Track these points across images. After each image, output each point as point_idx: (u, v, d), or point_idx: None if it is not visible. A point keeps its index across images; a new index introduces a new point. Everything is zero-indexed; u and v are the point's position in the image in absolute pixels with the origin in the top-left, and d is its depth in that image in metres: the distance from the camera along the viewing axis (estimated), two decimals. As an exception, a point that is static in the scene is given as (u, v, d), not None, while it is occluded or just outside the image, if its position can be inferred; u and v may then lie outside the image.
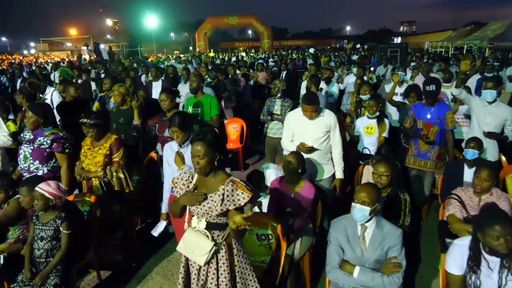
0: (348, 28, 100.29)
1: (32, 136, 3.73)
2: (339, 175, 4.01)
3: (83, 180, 3.70)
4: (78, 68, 9.14)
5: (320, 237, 3.67)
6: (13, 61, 23.74)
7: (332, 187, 4.03)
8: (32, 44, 53.45)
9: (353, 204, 2.65)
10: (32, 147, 3.70)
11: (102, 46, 19.57)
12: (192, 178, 2.45)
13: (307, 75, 9.09)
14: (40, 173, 3.72)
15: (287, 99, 5.75)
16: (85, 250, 3.37)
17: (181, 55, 22.73)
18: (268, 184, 4.06)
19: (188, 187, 2.44)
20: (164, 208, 3.48)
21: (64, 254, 3.00)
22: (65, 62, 16.48)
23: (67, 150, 3.79)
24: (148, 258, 4.08)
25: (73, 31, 46.53)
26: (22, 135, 3.79)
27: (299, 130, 3.93)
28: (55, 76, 10.99)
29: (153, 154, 5.20)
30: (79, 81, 7.95)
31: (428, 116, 4.61)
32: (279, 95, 5.71)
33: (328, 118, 3.88)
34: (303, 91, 6.76)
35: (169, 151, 3.35)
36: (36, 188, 2.97)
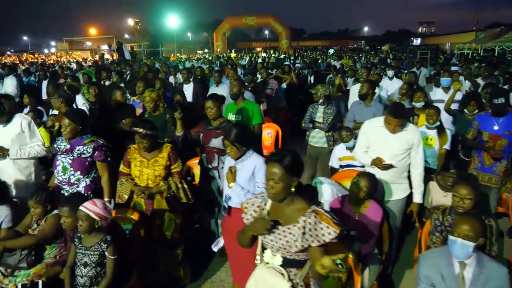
0: (365, 28, 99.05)
1: (68, 146, 3.43)
2: (418, 199, 3.60)
3: (144, 198, 3.38)
4: (106, 69, 8.91)
5: (386, 265, 3.29)
6: (36, 60, 23.83)
7: (409, 211, 3.63)
8: (53, 43, 54.03)
9: (452, 238, 2.26)
10: (71, 157, 3.41)
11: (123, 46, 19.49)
12: (265, 204, 2.11)
13: (340, 79, 8.69)
14: (82, 184, 3.44)
15: (330, 106, 5.37)
16: (128, 274, 3.05)
17: (206, 55, 22.48)
18: (323, 201, 3.70)
19: (260, 214, 2.10)
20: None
21: (110, 282, 2.69)
22: (87, 62, 16.36)
23: (108, 159, 3.50)
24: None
25: (93, 31, 46.90)
26: (56, 145, 3.49)
27: (377, 143, 3.53)
28: (80, 77, 10.83)
29: (191, 164, 4.90)
30: (107, 83, 7.69)
31: (496, 127, 4.18)
32: (321, 101, 5.33)
33: (412, 134, 3.46)
34: (353, 96, 6.34)
35: (227, 164, 3.05)
36: (81, 208, 2.66)
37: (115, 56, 20.92)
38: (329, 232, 1.93)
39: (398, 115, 3.36)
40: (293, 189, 2.01)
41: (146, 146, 3.31)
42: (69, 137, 3.40)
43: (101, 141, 3.49)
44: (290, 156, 2.00)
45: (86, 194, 3.42)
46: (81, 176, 3.44)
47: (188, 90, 7.15)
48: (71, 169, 3.41)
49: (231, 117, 4.78)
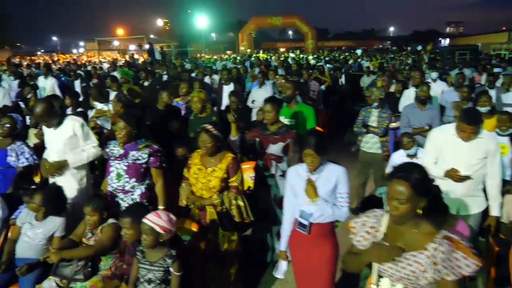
0: (391, 28, 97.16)
1: (122, 151, 3.25)
2: (495, 212, 3.27)
3: (195, 209, 3.18)
4: (145, 70, 8.83)
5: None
6: (68, 60, 24.23)
7: (485, 226, 3.31)
8: (81, 43, 55.21)
9: None
10: (126, 163, 3.23)
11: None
12: (380, 225, 1.84)
13: (382, 81, 8.32)
14: (137, 192, 3.26)
15: (385, 109, 5.06)
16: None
17: (237, 56, 22.30)
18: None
19: (375, 237, 1.84)
20: (284, 246, 2.88)
21: (175, 301, 2.48)
22: (117, 62, 16.40)
23: (163, 165, 3.31)
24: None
25: (120, 31, 47.63)
26: (108, 149, 3.32)
27: (449, 153, 3.21)
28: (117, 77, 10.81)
29: (243, 168, 4.67)
30: (146, 83, 7.57)
31: None
32: (376, 104, 5.03)
33: (488, 141, 3.14)
34: (407, 99, 5.99)
35: (295, 176, 2.74)
36: (146, 221, 2.47)
37: (144, 56, 21.06)
38: (467, 264, 1.66)
39: (473, 121, 3.05)
40: (419, 211, 1.74)
41: (209, 148, 3.08)
42: (124, 141, 3.22)
43: (155, 146, 3.30)
44: (419, 173, 1.74)
45: (141, 202, 3.25)
46: (136, 183, 3.26)
47: (228, 92, 6.94)
48: (126, 176, 3.24)
49: (284, 121, 4.53)
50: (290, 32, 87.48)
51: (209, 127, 3.09)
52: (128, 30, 51.41)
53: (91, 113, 5.89)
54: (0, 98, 6.92)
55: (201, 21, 35.13)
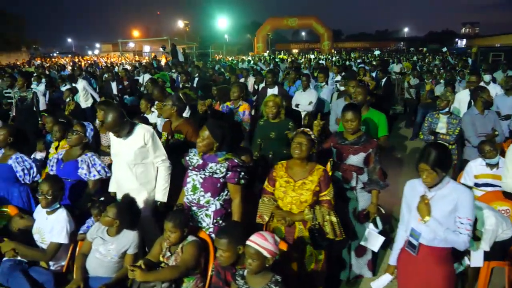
0: (406, 29, 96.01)
1: (201, 161, 3.01)
2: None
3: (285, 225, 2.92)
4: (185, 72, 8.61)
5: None
6: (89, 61, 24.27)
7: None
8: (97, 45, 55.64)
9: None
10: (203, 175, 2.99)
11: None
12: None
13: (431, 84, 7.98)
14: (212, 208, 3.01)
15: (454, 115, 4.76)
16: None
17: (265, 56, 22.05)
18: (483, 230, 3.12)
19: None
20: (393, 260, 2.65)
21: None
22: (148, 64, 16.20)
23: (242, 181, 3.05)
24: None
25: (136, 33, 47.86)
26: (188, 158, 3.08)
27: None
28: (144, 79, 10.64)
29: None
30: (185, 86, 7.36)
31: None
32: (446, 110, 4.73)
33: None
34: (459, 103, 5.68)
35: (411, 191, 2.50)
36: (252, 245, 2.22)
37: (163, 58, 20.92)
38: None
39: None
40: None
41: (304, 152, 2.86)
42: (204, 151, 2.98)
43: (236, 160, 3.02)
44: None
45: (215, 220, 3.01)
46: (211, 198, 3.01)
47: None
48: (202, 189, 2.99)
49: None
50: (303, 34, 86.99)
51: (307, 129, 2.95)
52: (144, 32, 51.65)
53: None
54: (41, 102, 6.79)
55: (222, 22, 35.16)
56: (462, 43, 69.09)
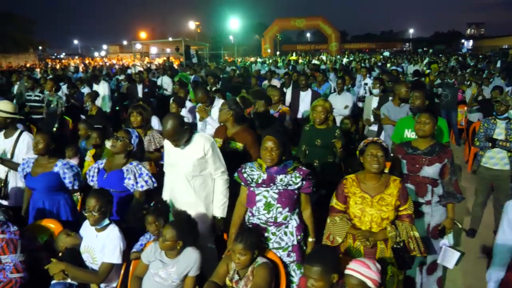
0: (411, 30, 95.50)
1: (265, 175, 2.72)
2: None
3: (368, 246, 2.63)
4: (213, 74, 8.33)
5: None
6: (101, 63, 24.04)
7: None
8: (104, 46, 55.61)
9: None
10: (276, 190, 2.70)
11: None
12: None
13: (477, 87, 7.63)
14: (292, 224, 2.74)
15: (512, 121, 4.44)
16: None
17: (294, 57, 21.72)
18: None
19: None
20: None
21: None
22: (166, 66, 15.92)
23: (314, 189, 2.78)
24: None
25: (143, 34, 47.72)
26: (245, 174, 2.77)
27: None
28: (162, 81, 10.40)
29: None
30: (213, 88, 7.06)
31: None
32: (505, 115, 4.42)
33: None
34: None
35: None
36: (355, 274, 1.95)
37: (172, 59, 20.69)
38: None
39: None
40: None
41: (381, 166, 2.60)
42: (274, 164, 2.70)
43: (304, 168, 2.77)
44: None
45: (299, 237, 2.74)
46: (289, 214, 2.73)
47: (306, 99, 6.42)
48: (278, 205, 2.70)
49: (410, 134, 3.98)
50: (308, 35, 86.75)
51: (376, 138, 2.73)
52: (150, 33, 51.54)
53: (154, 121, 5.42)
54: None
55: (234, 23, 35.02)
56: (468, 44, 68.63)
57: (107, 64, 23.23)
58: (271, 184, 2.71)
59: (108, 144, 3.16)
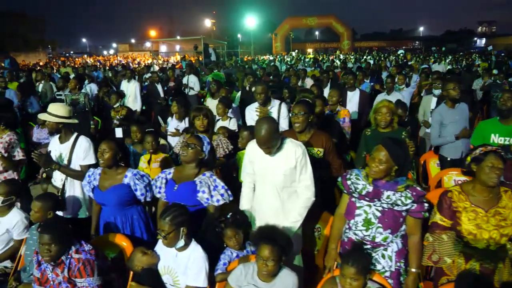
0: (421, 28, 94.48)
1: (371, 187, 2.40)
2: None
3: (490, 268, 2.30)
4: (253, 73, 8.02)
5: None
6: (116, 61, 23.79)
7: None
8: (114, 45, 55.46)
9: None
10: (380, 207, 2.37)
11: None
12: None
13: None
14: (392, 248, 2.42)
15: None
16: None
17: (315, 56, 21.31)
18: None
19: None
20: None
21: None
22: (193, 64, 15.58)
23: (426, 214, 2.43)
24: None
25: (152, 33, 47.57)
26: (349, 182, 2.47)
27: None
28: (189, 80, 10.09)
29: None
30: (253, 89, 6.72)
31: None
32: None
33: None
34: None
35: None
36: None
37: (200, 58, 20.34)
38: None
39: None
40: None
41: (499, 178, 2.30)
42: (380, 177, 2.36)
43: (419, 188, 2.41)
44: None
45: (398, 264, 2.40)
46: (390, 236, 2.39)
47: (354, 99, 6.06)
48: (379, 224, 2.37)
49: (498, 139, 3.64)
50: (316, 33, 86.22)
51: (495, 147, 2.40)
52: (159, 32, 51.35)
53: (170, 122, 5.12)
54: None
55: (251, 21, 34.75)
56: (481, 42, 67.66)
57: (122, 62, 22.97)
58: (375, 199, 2.39)
59: (181, 151, 2.85)
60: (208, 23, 37.84)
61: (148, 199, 2.98)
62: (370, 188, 2.41)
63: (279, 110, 4.29)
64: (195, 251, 2.53)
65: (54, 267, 2.47)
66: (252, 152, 2.78)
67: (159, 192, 2.99)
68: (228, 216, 2.70)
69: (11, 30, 38.93)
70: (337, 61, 17.99)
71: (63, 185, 3.29)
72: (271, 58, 24.44)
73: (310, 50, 50.81)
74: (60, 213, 3.31)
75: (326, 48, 56.35)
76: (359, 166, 3.85)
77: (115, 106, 6.64)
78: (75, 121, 3.43)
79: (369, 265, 2.30)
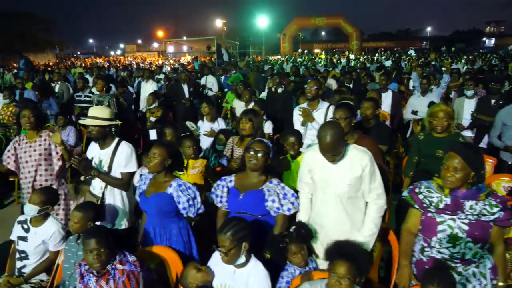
0: (428, 28, 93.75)
1: (448, 199, 2.19)
2: None
3: None
4: (278, 74, 7.81)
5: None
6: (126, 61, 23.67)
7: None
8: (121, 45, 55.51)
9: None
10: (466, 220, 2.15)
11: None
12: None
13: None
14: (486, 264, 2.21)
15: None
16: None
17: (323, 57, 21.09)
18: None
19: None
20: None
21: None
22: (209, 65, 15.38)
23: None
24: None
25: (160, 33, 47.52)
26: (422, 195, 2.25)
27: None
28: (207, 80, 9.89)
29: None
30: (279, 90, 6.51)
31: None
32: None
33: None
34: None
35: None
36: None
37: (212, 59, 20.14)
38: None
39: None
40: None
41: None
42: (457, 186, 2.16)
43: (500, 194, 2.20)
44: None
45: (494, 282, 2.18)
46: (480, 250, 2.17)
47: (386, 101, 5.82)
48: (468, 239, 2.15)
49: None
50: (323, 33, 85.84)
51: None
52: (166, 32, 51.32)
53: (201, 125, 4.95)
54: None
55: (262, 21, 34.57)
56: (490, 42, 66.95)
57: (133, 62, 22.83)
58: (458, 212, 2.16)
59: (249, 159, 2.64)
60: (219, 23, 37.64)
61: (191, 215, 2.74)
62: (447, 200, 2.20)
63: (326, 113, 4.05)
64: (256, 268, 2.31)
65: (98, 278, 2.29)
66: (311, 160, 2.56)
67: (220, 202, 2.78)
68: (291, 229, 2.49)
69: (21, 30, 38.97)
70: (344, 61, 17.71)
71: (103, 194, 3.09)
72: (282, 58, 24.19)
73: (317, 51, 50.41)
74: (97, 223, 3.12)
75: (333, 49, 55.95)
76: (409, 172, 3.67)
77: (151, 107, 6.47)
78: (118, 122, 3.25)
79: (455, 285, 2.07)
